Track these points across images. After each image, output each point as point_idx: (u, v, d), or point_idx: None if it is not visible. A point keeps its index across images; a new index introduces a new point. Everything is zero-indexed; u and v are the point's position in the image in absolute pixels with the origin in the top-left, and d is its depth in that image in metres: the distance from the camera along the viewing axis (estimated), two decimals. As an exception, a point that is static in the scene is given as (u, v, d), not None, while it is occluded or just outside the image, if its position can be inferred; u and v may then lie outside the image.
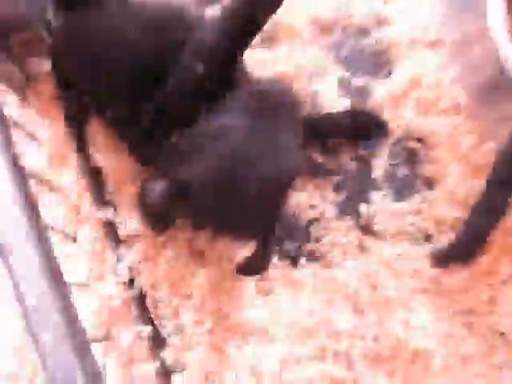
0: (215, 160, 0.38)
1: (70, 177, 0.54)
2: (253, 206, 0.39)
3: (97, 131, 0.55)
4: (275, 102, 0.41)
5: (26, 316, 0.37)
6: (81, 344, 0.38)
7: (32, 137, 0.52)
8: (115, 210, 0.54)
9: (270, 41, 0.61)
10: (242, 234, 0.44)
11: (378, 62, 0.62)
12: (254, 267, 0.46)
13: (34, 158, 0.54)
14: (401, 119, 0.59)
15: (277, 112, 0.40)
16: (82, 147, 0.53)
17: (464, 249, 0.53)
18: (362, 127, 0.58)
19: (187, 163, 0.39)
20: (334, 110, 0.59)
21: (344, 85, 0.61)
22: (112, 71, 0.45)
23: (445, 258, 0.54)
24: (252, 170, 0.37)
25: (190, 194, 0.39)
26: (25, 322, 0.37)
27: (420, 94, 0.59)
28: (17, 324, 0.50)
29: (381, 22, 0.63)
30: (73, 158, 0.54)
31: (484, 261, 0.54)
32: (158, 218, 0.42)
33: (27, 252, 0.38)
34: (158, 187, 0.39)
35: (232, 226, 0.41)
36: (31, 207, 0.42)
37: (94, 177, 0.53)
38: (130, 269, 0.53)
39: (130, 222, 0.53)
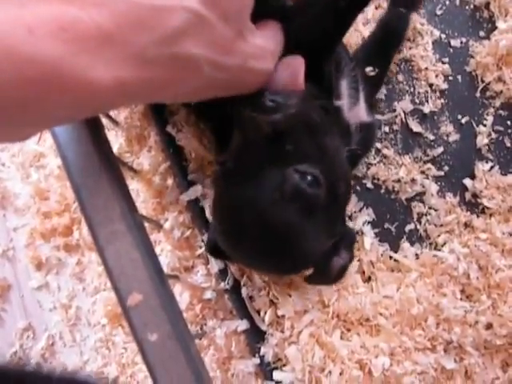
0: None
1: (149, 159, 0.49)
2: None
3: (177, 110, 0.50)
4: None
5: (129, 315, 0.34)
6: (185, 342, 0.34)
7: (108, 117, 0.47)
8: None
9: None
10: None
11: (478, 19, 0.55)
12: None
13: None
14: (506, 81, 0.53)
15: None
16: (162, 127, 0.47)
17: None
18: None
19: None
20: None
21: (441, 47, 0.55)
22: None
23: None
24: None
25: None
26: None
27: (529, 52, 0.52)
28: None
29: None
30: (152, 139, 0.50)
31: None
32: None
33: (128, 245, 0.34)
34: None
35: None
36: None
37: (177, 158, 0.48)
38: (223, 256, 0.47)
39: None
